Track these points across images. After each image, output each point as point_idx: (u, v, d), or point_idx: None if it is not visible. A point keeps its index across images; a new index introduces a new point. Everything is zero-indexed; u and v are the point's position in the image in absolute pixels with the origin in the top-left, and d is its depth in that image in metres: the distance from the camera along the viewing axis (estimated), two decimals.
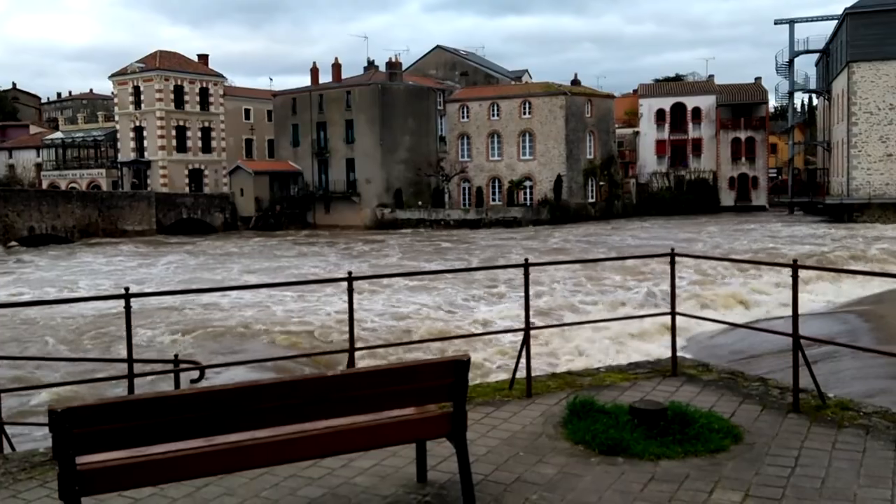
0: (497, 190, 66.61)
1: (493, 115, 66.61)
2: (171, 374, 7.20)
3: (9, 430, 7.54)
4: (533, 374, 6.97)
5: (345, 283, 6.45)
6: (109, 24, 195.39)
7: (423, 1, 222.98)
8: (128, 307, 5.87)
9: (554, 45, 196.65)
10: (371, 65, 73.20)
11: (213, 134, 72.86)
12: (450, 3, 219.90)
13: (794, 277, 6.30)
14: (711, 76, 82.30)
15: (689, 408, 6.01)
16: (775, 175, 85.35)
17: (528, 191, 65.05)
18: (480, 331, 17.74)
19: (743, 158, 74.48)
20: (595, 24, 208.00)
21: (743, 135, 74.50)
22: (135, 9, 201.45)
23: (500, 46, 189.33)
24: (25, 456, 5.71)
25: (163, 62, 70.29)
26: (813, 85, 72.60)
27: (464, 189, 67.86)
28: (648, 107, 76.90)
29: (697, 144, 75.70)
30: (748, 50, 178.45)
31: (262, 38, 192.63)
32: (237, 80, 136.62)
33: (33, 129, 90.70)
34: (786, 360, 7.01)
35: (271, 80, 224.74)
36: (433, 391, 4.56)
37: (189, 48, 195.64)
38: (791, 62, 69.59)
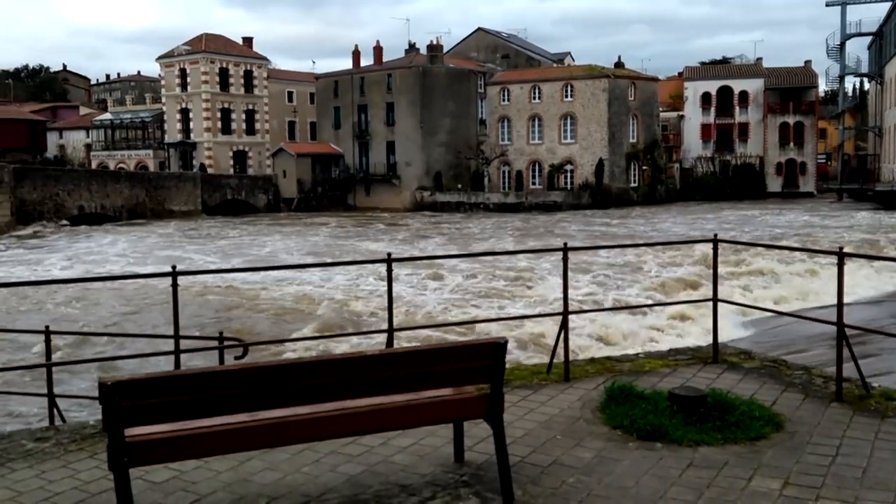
0: (537, 174, 66.21)
1: (535, 98, 66.10)
2: (216, 351, 7.36)
3: (60, 402, 7.80)
4: (571, 358, 6.98)
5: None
6: (165, 6, 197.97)
7: None
8: (175, 285, 6.00)
9: (605, 27, 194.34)
10: (412, 48, 73.12)
11: (257, 116, 73.60)
12: None
13: (840, 265, 6.20)
14: (759, 59, 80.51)
15: (729, 395, 5.97)
16: (824, 161, 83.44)
17: (568, 175, 64.55)
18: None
19: (791, 143, 72.88)
20: (649, 5, 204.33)
21: (791, 119, 72.88)
22: None
23: (549, 29, 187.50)
24: (76, 428, 5.89)
25: (209, 45, 71.09)
26: (865, 69, 70.70)
27: (504, 173, 67.60)
28: (694, 90, 75.57)
29: (744, 129, 74.25)
30: (805, 32, 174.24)
31: (313, 20, 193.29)
32: (288, 63, 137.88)
33: (83, 111, 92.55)
34: (830, 349, 6.91)
35: (314, 63, 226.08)
36: (471, 372, 4.59)
37: (242, 31, 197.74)
38: (842, 45, 67.82)
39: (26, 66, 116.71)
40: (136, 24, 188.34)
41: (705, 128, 74.87)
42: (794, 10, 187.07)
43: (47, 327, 7.46)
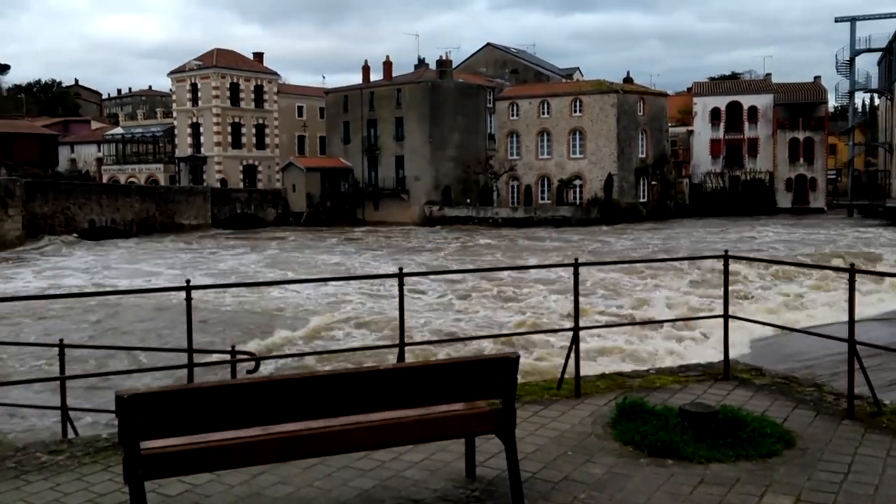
0: (546, 188, 66.27)
1: (543, 113, 66.28)
2: (229, 365, 7.40)
3: (73, 415, 7.84)
4: (581, 373, 6.98)
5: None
6: (184, 22, 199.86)
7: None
8: (189, 299, 6.05)
9: (619, 42, 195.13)
10: (421, 63, 73.47)
11: (268, 131, 74.00)
12: (517, 2, 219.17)
13: (851, 282, 6.21)
14: (769, 75, 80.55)
15: (740, 412, 5.97)
16: (834, 177, 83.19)
17: (577, 190, 64.58)
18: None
19: (801, 159, 72.75)
20: (664, 21, 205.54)
21: (801, 135, 72.77)
22: (209, 7, 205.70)
23: (564, 44, 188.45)
24: (90, 441, 5.93)
25: (220, 60, 71.61)
26: (875, 84, 70.58)
27: (512, 187, 67.69)
28: (703, 105, 75.60)
29: (753, 144, 74.17)
30: (821, 48, 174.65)
31: (330, 36, 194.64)
32: (301, 78, 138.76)
33: (95, 125, 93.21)
34: (841, 366, 6.89)
35: (324, 78, 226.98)
36: (482, 387, 4.62)
37: (259, 47, 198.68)
38: (852, 61, 67.80)
39: (38, 81, 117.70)
40: (154, 40, 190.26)
41: (714, 143, 74.83)
42: (810, 25, 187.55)
43: (61, 341, 7.52)
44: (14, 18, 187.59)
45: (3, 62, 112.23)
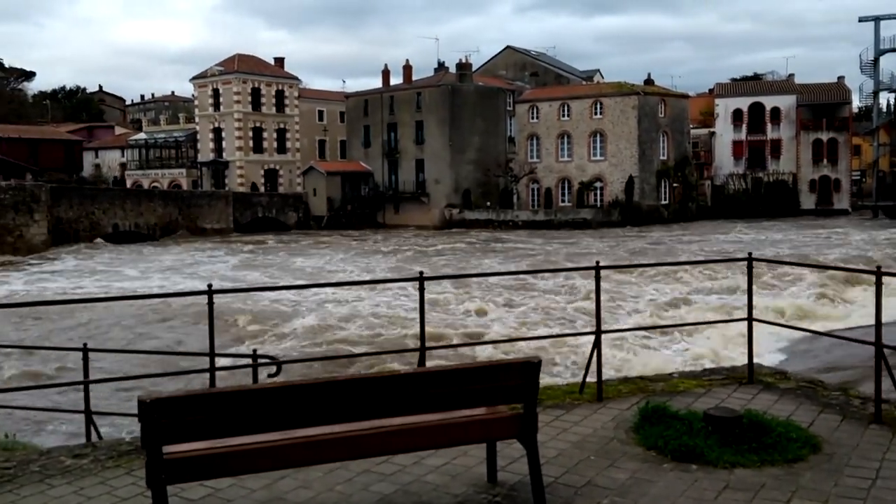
0: (566, 191, 66.07)
1: (564, 116, 66.10)
2: (250, 369, 7.42)
3: (96, 419, 7.91)
4: (604, 377, 6.93)
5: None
6: (210, 27, 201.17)
7: (516, 2, 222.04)
8: (210, 303, 6.07)
9: (644, 44, 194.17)
10: (441, 66, 73.58)
11: (288, 135, 74.41)
12: (542, 4, 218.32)
13: (878, 284, 6.11)
14: (791, 75, 79.81)
15: (765, 416, 5.89)
16: (859, 178, 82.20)
17: (598, 192, 64.32)
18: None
19: (825, 160, 71.97)
20: (689, 22, 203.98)
21: (825, 136, 72.00)
22: (235, 13, 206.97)
23: (588, 46, 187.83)
24: (112, 444, 5.96)
25: (241, 65, 72.13)
26: None
27: (533, 190, 67.55)
28: (725, 107, 75.02)
29: (776, 146, 73.48)
30: (846, 48, 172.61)
31: (354, 41, 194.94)
32: (323, 83, 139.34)
33: (118, 130, 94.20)
34: (868, 370, 6.79)
35: (344, 82, 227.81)
36: (504, 392, 4.59)
37: (285, 51, 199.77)
38: (876, 61, 67.01)
39: (63, 87, 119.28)
40: (181, 45, 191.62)
41: (737, 144, 74.22)
42: (835, 26, 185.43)
43: (85, 345, 7.58)
44: (43, 25, 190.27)
45: (29, 69, 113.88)
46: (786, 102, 73.55)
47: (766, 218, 64.55)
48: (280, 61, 77.61)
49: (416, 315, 6.72)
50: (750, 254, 7.39)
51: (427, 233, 59.50)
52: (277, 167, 73.58)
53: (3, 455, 5.89)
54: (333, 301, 24.71)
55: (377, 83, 74.26)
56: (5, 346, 14.76)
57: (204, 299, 6.06)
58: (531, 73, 76.87)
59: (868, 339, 6.35)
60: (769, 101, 74.05)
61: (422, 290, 6.51)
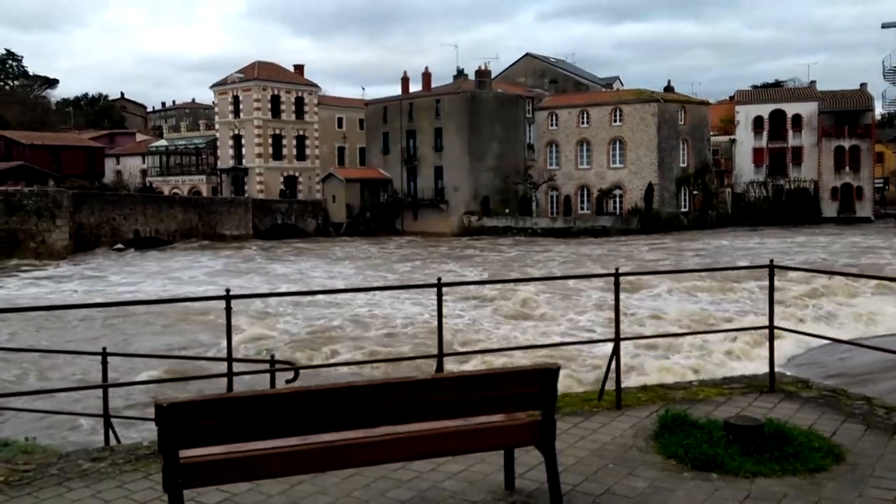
0: (585, 198, 65.84)
1: (583, 123, 65.93)
2: (267, 374, 7.43)
3: (114, 422, 7.94)
4: (622, 385, 6.87)
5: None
6: (235, 35, 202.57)
7: (539, 10, 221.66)
8: (228, 308, 6.09)
9: (665, 51, 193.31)
10: (460, 73, 73.68)
11: (308, 142, 74.75)
12: (565, 12, 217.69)
13: None
14: (813, 82, 79.15)
15: (787, 425, 5.81)
16: (882, 185, 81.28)
17: (617, 199, 64.05)
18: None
19: (847, 168, 71.22)
20: (713, 29, 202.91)
21: (847, 143, 71.27)
22: (260, 20, 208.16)
23: (610, 53, 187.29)
24: (130, 448, 5.98)
25: (261, 73, 72.59)
26: None
27: (552, 197, 67.40)
28: (745, 114, 74.52)
29: (798, 153, 72.84)
30: (871, 55, 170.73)
31: (376, 48, 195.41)
32: (344, 90, 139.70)
33: (139, 137, 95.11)
34: (892, 379, 6.70)
35: (363, 89, 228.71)
36: (522, 399, 4.56)
37: (308, 59, 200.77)
38: None
39: (86, 95, 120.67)
40: (203, 53, 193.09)
41: (757, 152, 73.67)
42: (860, 32, 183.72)
43: (104, 349, 7.63)
44: (69, 34, 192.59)
45: (54, 77, 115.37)
46: (807, 109, 72.92)
47: (787, 226, 63.97)
48: (300, 68, 78.04)
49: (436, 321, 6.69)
50: (771, 261, 7.30)
51: (445, 240, 59.51)
52: (297, 174, 73.92)
53: (23, 458, 5.93)
54: (352, 307, 24.74)
55: (396, 90, 74.53)
56: (24, 350, 14.89)
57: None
58: (550, 80, 76.78)
59: (892, 347, 6.25)
60: (790, 108, 73.46)
61: (440, 296, 6.49)
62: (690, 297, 25.96)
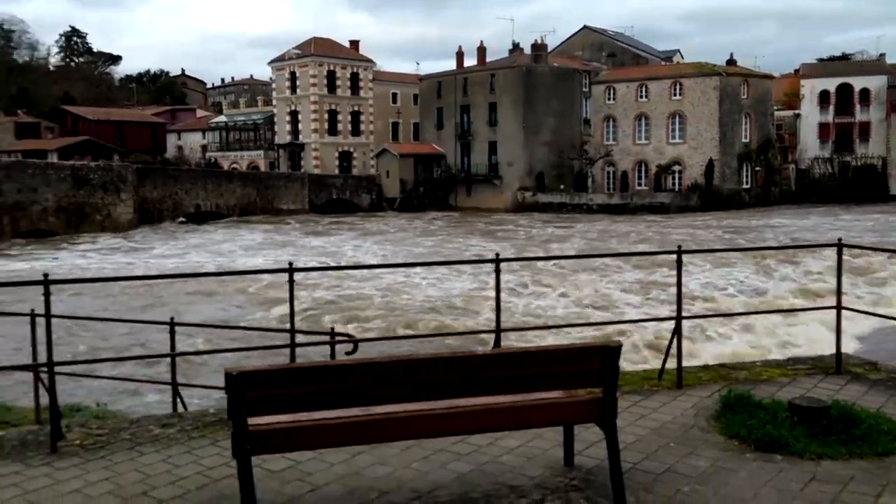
0: (643, 174, 64.81)
1: (641, 97, 64.73)
2: (328, 346, 7.55)
3: (181, 390, 8.18)
4: (683, 364, 6.79)
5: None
6: (296, 11, 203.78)
7: None
8: (291, 280, 6.19)
9: (729, 23, 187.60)
10: (516, 47, 72.91)
11: (363, 118, 75.10)
12: None
13: None
14: (882, 55, 76.19)
15: (854, 407, 5.68)
16: None
17: (676, 176, 62.89)
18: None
19: None
20: (780, 1, 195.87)
21: None
22: None
23: (673, 25, 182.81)
24: (198, 416, 6.16)
25: (317, 49, 73.03)
26: None
27: (608, 173, 66.52)
28: (811, 88, 72.15)
29: (865, 128, 70.32)
30: None
31: (433, 23, 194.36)
32: (402, 66, 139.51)
33: (199, 113, 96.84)
34: None
35: (418, 64, 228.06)
36: (582, 376, 4.54)
37: (365, 34, 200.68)
38: None
39: (148, 71, 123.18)
40: (263, 29, 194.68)
41: (823, 127, 71.37)
42: None
43: (172, 319, 7.84)
44: (133, 10, 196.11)
45: (117, 53, 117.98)
46: (876, 83, 70.23)
47: (852, 203, 62.02)
48: (355, 44, 78.24)
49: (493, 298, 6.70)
50: (840, 239, 7.10)
51: (499, 216, 59.32)
52: (351, 149, 74.42)
53: (96, 423, 6.16)
54: (409, 282, 24.90)
55: (451, 65, 74.19)
56: (97, 319, 15.40)
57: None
58: (608, 53, 75.48)
59: None
60: (858, 82, 70.85)
61: (497, 272, 6.49)
62: (760, 275, 25.42)
